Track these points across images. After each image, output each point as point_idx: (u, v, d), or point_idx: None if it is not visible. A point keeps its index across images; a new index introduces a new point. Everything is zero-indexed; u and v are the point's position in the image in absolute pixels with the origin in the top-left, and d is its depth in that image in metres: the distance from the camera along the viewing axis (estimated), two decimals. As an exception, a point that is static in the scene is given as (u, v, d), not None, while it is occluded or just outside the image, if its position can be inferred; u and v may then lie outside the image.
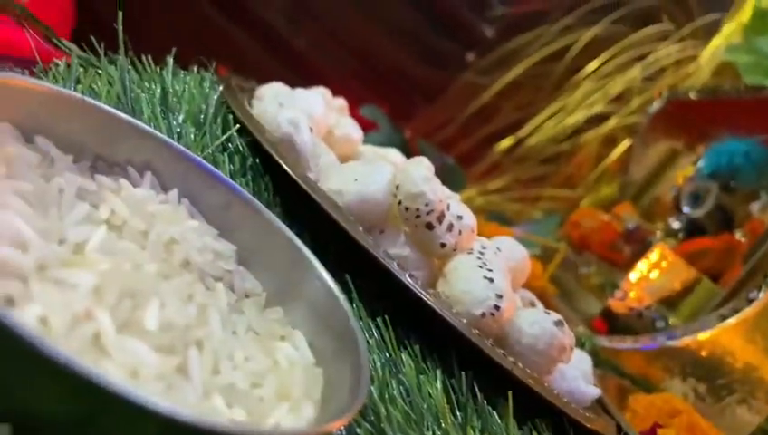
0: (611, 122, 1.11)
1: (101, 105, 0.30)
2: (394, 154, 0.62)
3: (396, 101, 1.44)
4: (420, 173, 0.43)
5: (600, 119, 1.13)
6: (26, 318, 0.19)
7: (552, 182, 1.18)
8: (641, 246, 0.83)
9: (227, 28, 1.32)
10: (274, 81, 0.58)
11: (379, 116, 1.14)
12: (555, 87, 1.21)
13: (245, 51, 1.33)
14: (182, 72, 0.49)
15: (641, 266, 0.77)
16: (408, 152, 0.75)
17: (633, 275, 0.77)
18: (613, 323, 0.77)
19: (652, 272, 0.77)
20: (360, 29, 1.45)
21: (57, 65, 0.38)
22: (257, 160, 0.45)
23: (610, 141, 1.11)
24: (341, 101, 0.64)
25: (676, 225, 0.87)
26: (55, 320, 0.20)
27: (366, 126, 0.64)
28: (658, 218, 0.91)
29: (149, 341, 0.22)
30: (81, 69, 0.39)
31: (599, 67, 1.16)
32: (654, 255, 0.77)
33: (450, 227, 0.42)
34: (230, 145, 0.44)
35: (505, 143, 1.22)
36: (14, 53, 0.44)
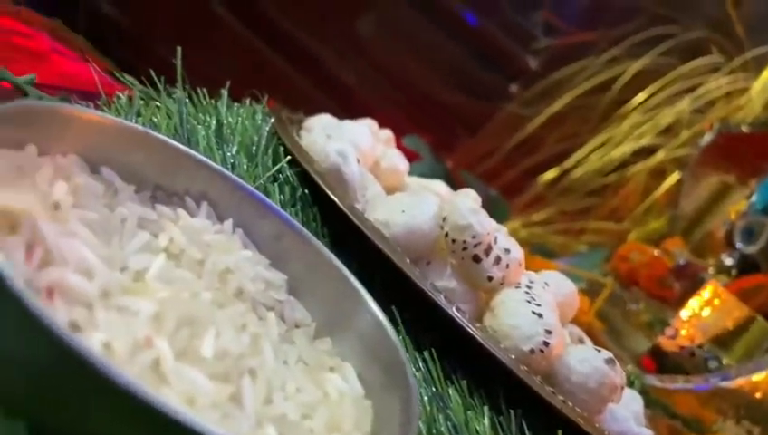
0: (660, 155, 1.09)
1: (162, 137, 0.31)
2: (439, 185, 0.62)
3: (438, 132, 1.45)
4: (467, 205, 0.43)
5: (648, 151, 1.12)
6: (92, 343, 0.20)
7: (597, 215, 1.16)
8: (692, 283, 0.81)
9: (278, 62, 1.36)
10: (321, 112, 0.59)
11: (421, 147, 1.14)
12: (601, 119, 1.20)
13: (294, 84, 1.36)
14: (235, 104, 0.51)
15: (692, 304, 0.74)
16: (451, 183, 0.75)
17: (684, 313, 0.75)
18: (663, 362, 0.75)
19: (704, 310, 0.74)
20: (404, 61, 1.47)
21: (119, 98, 0.40)
22: (306, 191, 0.46)
23: (659, 174, 1.09)
24: (388, 133, 0.64)
25: (728, 261, 0.84)
26: (118, 346, 0.21)
27: (408, 156, 0.65)
28: (710, 254, 0.89)
29: (205, 369, 0.22)
30: (141, 102, 0.40)
31: (647, 99, 1.15)
32: (706, 292, 0.74)
33: (497, 260, 0.42)
34: (280, 176, 0.45)
35: (549, 175, 1.21)
36: (78, 86, 0.46)
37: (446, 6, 1.44)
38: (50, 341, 0.16)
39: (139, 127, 0.30)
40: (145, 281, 0.25)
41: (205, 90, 0.50)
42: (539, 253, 0.93)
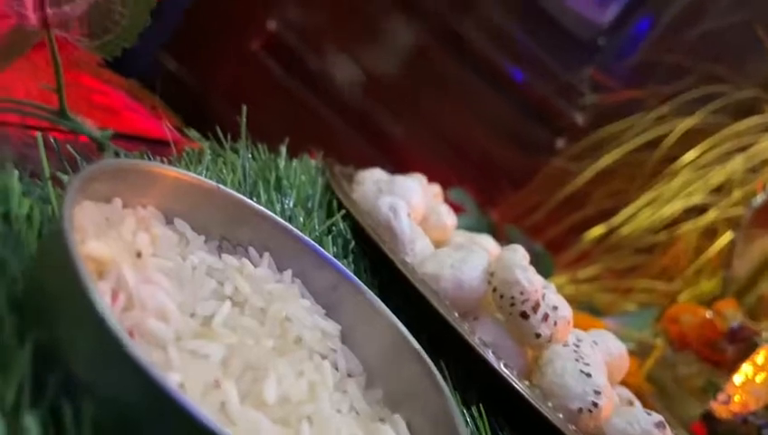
0: (711, 214, 1.08)
1: (230, 191, 0.33)
2: (487, 240, 0.63)
3: (484, 185, 1.46)
4: (516, 261, 0.43)
5: (698, 210, 1.10)
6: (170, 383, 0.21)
7: (646, 274, 1.14)
8: (746, 347, 0.79)
9: (330, 118, 1.40)
10: (367, 163, 0.62)
11: (466, 200, 1.15)
12: (650, 176, 1.20)
13: (343, 136, 1.40)
14: (293, 159, 0.53)
15: (746, 369, 0.72)
16: (496, 237, 0.76)
17: (737, 378, 0.72)
18: (715, 428, 0.72)
19: (758, 375, 0.72)
20: (450, 114, 1.50)
21: (188, 153, 0.43)
22: (358, 243, 0.47)
23: (710, 233, 1.07)
24: (436, 188, 0.66)
25: (784, 325, 0.81)
26: (190, 386, 0.22)
27: (454, 209, 0.66)
28: (765, 317, 0.86)
29: (268, 412, 0.24)
30: (209, 157, 0.43)
31: (697, 157, 1.14)
32: (760, 357, 0.72)
33: (545, 317, 0.42)
34: (334, 228, 0.47)
35: (597, 231, 1.21)
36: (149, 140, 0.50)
37: (493, 62, 1.47)
38: (145, 380, 0.18)
39: (211, 182, 0.32)
40: (212, 326, 0.27)
41: (264, 145, 0.53)
42: (586, 311, 0.92)
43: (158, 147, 0.47)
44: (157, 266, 0.26)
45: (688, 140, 1.15)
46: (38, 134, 0.31)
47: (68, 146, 0.34)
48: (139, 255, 0.26)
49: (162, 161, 0.39)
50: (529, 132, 1.49)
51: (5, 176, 0.25)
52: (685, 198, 1.11)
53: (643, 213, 1.15)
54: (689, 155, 1.14)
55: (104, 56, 0.38)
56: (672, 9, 1.29)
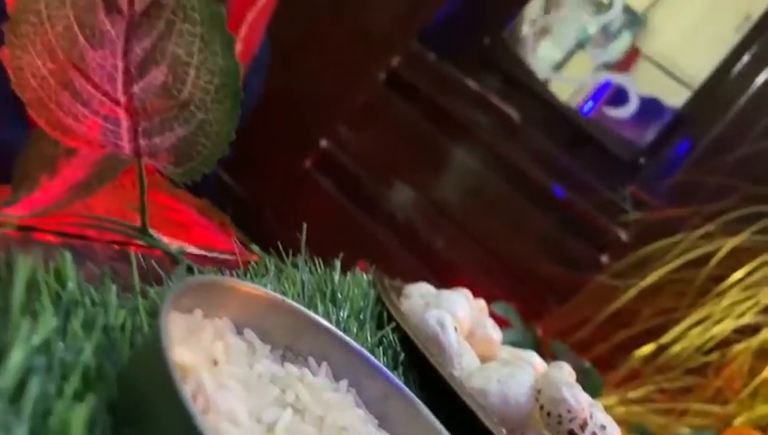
0: (764, 334, 1.05)
1: (294, 304, 0.36)
2: (532, 356, 0.63)
3: (528, 300, 1.46)
4: (562, 378, 0.44)
5: (750, 330, 1.08)
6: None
7: (699, 395, 1.10)
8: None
9: (379, 232, 1.46)
10: (412, 276, 0.64)
11: (511, 314, 1.16)
12: (698, 294, 1.18)
13: (393, 250, 1.44)
14: (346, 273, 0.56)
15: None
16: (541, 353, 0.76)
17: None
18: None
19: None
20: (493, 229, 1.53)
21: (254, 267, 0.47)
22: (407, 355, 0.49)
23: (764, 354, 1.04)
24: (482, 303, 0.68)
25: None
26: (259, 489, 0.24)
27: (499, 323, 0.67)
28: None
29: None
30: (272, 270, 0.47)
31: (745, 276, 1.13)
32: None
33: (593, 437, 0.43)
34: (385, 339, 0.49)
35: (646, 350, 1.18)
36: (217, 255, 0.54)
37: (537, 180, 1.51)
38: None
39: (278, 295, 0.35)
40: (275, 432, 0.29)
41: (319, 259, 0.56)
42: (638, 433, 0.89)
43: (225, 260, 0.51)
44: (229, 373, 0.29)
45: (735, 258, 1.15)
46: (132, 252, 0.35)
47: (153, 261, 0.38)
48: (215, 362, 0.28)
49: (231, 275, 0.43)
50: (573, 248, 1.50)
51: (105, 291, 0.29)
52: (735, 317, 1.09)
53: (693, 332, 1.13)
54: (737, 274, 1.13)
55: (186, 181, 0.43)
56: (711, 132, 1.33)
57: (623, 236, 1.46)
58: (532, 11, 1.55)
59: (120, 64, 0.41)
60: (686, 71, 1.48)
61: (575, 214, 1.50)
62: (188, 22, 0.40)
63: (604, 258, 1.48)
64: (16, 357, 0.22)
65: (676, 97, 1.45)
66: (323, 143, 1.64)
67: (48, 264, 0.29)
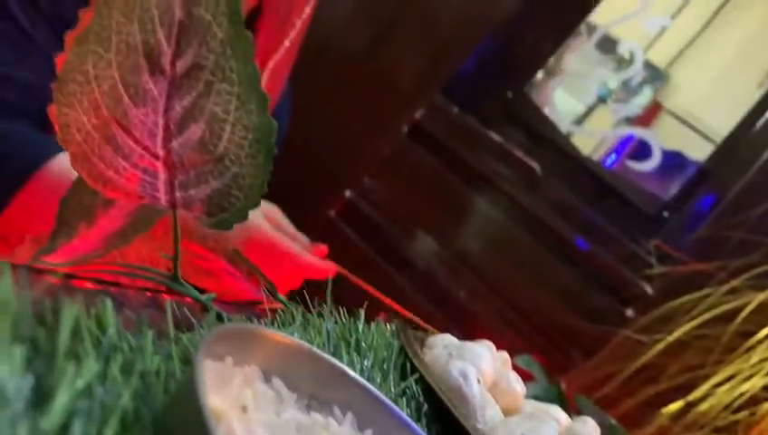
0: (795, 393, 1.02)
1: (321, 353, 0.37)
2: (556, 411, 0.63)
3: (552, 353, 1.44)
4: (586, 434, 0.44)
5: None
6: None
7: (730, 455, 1.07)
8: None
9: (402, 282, 1.46)
10: (434, 327, 0.65)
11: (534, 367, 1.14)
12: (726, 350, 1.16)
13: (416, 301, 1.44)
14: (370, 323, 0.57)
15: None
16: (565, 407, 0.75)
17: None
18: None
19: None
20: (516, 280, 1.53)
21: (280, 316, 0.48)
22: (430, 406, 0.49)
23: (796, 415, 1.01)
24: (505, 355, 0.68)
25: None
26: None
27: (522, 377, 0.67)
28: None
29: None
30: (299, 319, 0.48)
31: (773, 333, 1.11)
32: None
33: (619, 495, 0.42)
34: (408, 390, 0.49)
35: (673, 407, 1.15)
36: (243, 301, 0.55)
37: (560, 233, 1.51)
38: None
39: (304, 344, 0.36)
40: (301, 480, 0.29)
41: (344, 308, 0.57)
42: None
43: (253, 309, 0.52)
44: (258, 421, 0.30)
45: (763, 314, 1.13)
46: (166, 300, 0.36)
47: (184, 308, 0.39)
48: (244, 409, 0.29)
49: (259, 323, 0.44)
50: (597, 301, 1.49)
51: (143, 337, 0.30)
52: (764, 374, 1.07)
53: (721, 389, 1.10)
54: (765, 330, 1.11)
55: (219, 229, 0.45)
56: (735, 187, 1.32)
57: (648, 290, 1.44)
58: (554, 66, 1.59)
59: (161, 121, 0.43)
60: (708, 125, 1.49)
61: (599, 267, 1.49)
62: (226, 82, 0.42)
63: (629, 312, 1.46)
64: (61, 400, 0.23)
65: (699, 151, 1.46)
66: (348, 193, 1.66)
67: (89, 310, 0.31)
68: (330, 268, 0.86)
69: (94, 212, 0.52)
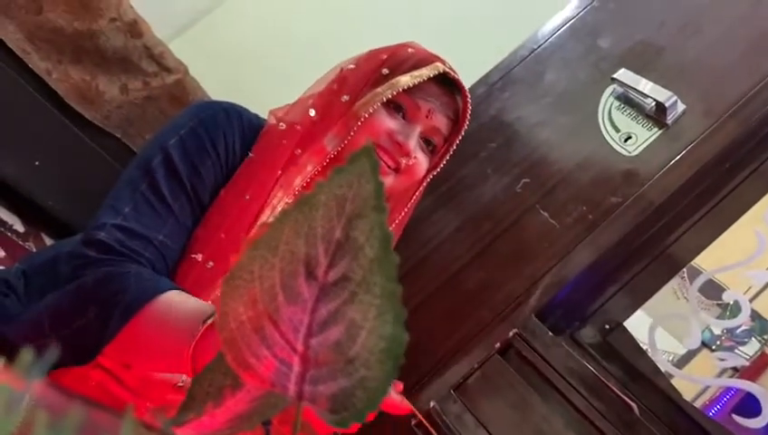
0: None
1: None
2: None
3: None
4: None
5: None
6: None
7: None
8: None
9: None
10: None
11: None
12: None
13: None
14: None
15: None
16: None
17: None
18: None
19: None
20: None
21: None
22: None
23: None
24: None
25: None
26: None
27: None
28: None
29: None
30: None
31: None
32: None
33: None
34: None
35: None
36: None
37: None
38: None
39: None
40: None
41: None
42: None
43: None
44: None
45: None
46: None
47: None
48: None
49: None
50: None
51: None
52: None
53: None
54: None
55: (338, 428, 0.48)
56: None
57: None
58: (655, 305, 1.58)
59: (306, 320, 0.49)
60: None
61: None
62: (369, 294, 0.48)
63: None
64: None
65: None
66: (432, 404, 1.64)
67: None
68: (406, 406, 0.94)
69: (223, 393, 0.57)
